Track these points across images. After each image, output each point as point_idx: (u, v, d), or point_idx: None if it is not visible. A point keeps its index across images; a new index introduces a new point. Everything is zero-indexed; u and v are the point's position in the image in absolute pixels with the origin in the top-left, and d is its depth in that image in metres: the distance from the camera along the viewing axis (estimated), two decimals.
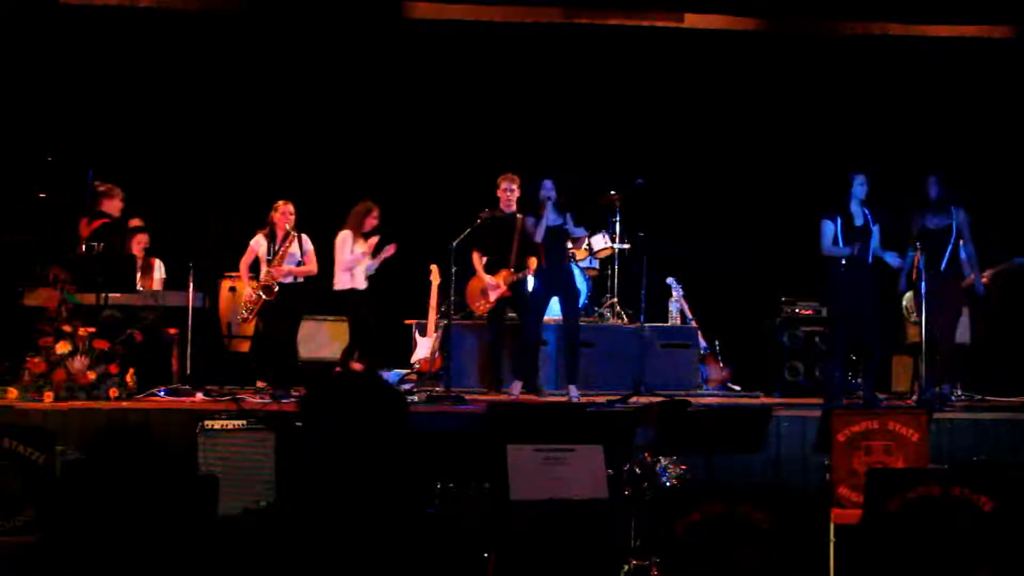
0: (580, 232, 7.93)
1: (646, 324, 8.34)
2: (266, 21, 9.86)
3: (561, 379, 8.10)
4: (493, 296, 8.18)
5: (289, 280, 7.93)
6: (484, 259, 8.28)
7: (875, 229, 7.45)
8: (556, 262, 7.79)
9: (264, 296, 7.86)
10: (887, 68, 10.13)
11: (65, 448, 5.55)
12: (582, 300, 9.16)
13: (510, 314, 8.21)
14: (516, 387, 7.76)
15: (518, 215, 8.01)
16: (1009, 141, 9.92)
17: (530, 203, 7.88)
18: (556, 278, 7.77)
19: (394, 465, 2.67)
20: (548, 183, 7.73)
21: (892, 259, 7.45)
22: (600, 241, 9.34)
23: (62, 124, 9.30)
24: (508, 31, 10.10)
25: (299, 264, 7.95)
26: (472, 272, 8.31)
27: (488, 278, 8.19)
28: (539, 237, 7.68)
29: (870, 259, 7.36)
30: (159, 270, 8.65)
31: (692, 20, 10.21)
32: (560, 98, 10.12)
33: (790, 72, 10.18)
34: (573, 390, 7.65)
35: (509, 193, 8.05)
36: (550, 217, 7.67)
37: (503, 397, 7.73)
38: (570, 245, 9.13)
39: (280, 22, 9.88)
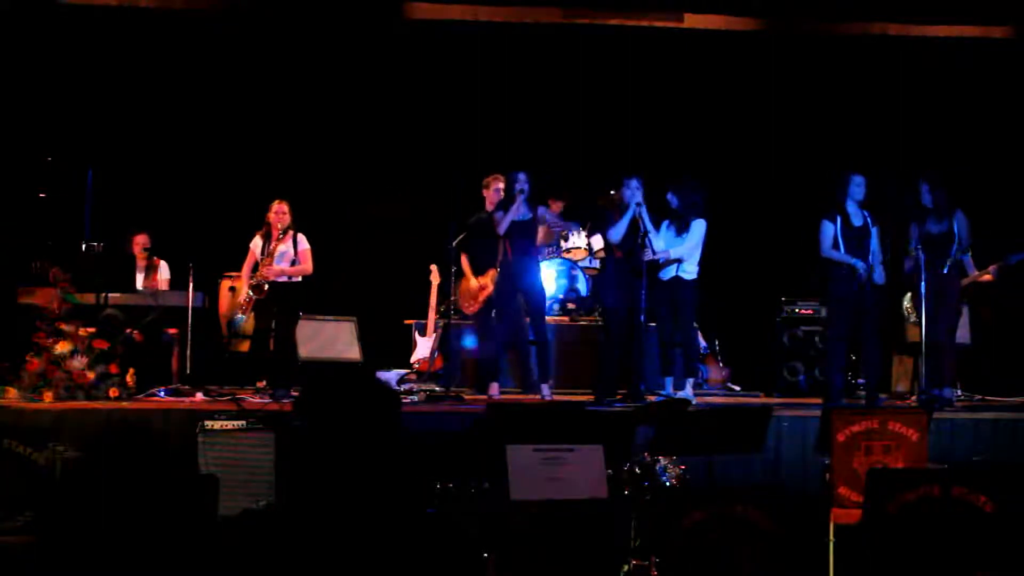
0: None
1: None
2: (267, 22, 9.86)
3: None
4: (481, 297, 8.19)
5: (283, 279, 7.85)
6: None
7: (874, 231, 7.46)
8: (521, 257, 7.70)
9: (254, 295, 7.83)
10: (887, 68, 10.13)
11: (65, 448, 5.55)
12: (584, 294, 9.23)
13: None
14: (494, 388, 7.72)
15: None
16: (1009, 141, 9.93)
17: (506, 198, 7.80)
18: (520, 275, 7.70)
19: (391, 464, 2.67)
20: (521, 175, 7.65)
21: (878, 277, 7.42)
22: (599, 241, 9.34)
23: (62, 124, 9.30)
24: (508, 31, 10.10)
25: (293, 263, 7.89)
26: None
27: (475, 280, 8.21)
28: (502, 230, 7.61)
29: (870, 261, 7.37)
30: (164, 270, 8.66)
31: (692, 20, 10.21)
32: (560, 98, 10.12)
33: (790, 72, 10.19)
34: (545, 389, 7.64)
35: (499, 194, 7.95)
36: (520, 211, 7.63)
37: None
38: (579, 245, 9.15)
39: (281, 23, 9.88)
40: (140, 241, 8.59)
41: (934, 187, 7.59)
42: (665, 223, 7.69)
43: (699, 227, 7.59)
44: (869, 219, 7.45)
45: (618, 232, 7.47)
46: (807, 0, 10.20)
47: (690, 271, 7.60)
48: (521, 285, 7.71)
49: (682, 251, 7.54)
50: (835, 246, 7.39)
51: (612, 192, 8.95)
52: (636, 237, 7.42)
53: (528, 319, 7.85)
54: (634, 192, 7.48)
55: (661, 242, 7.55)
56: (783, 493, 4.48)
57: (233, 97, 9.81)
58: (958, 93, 10.08)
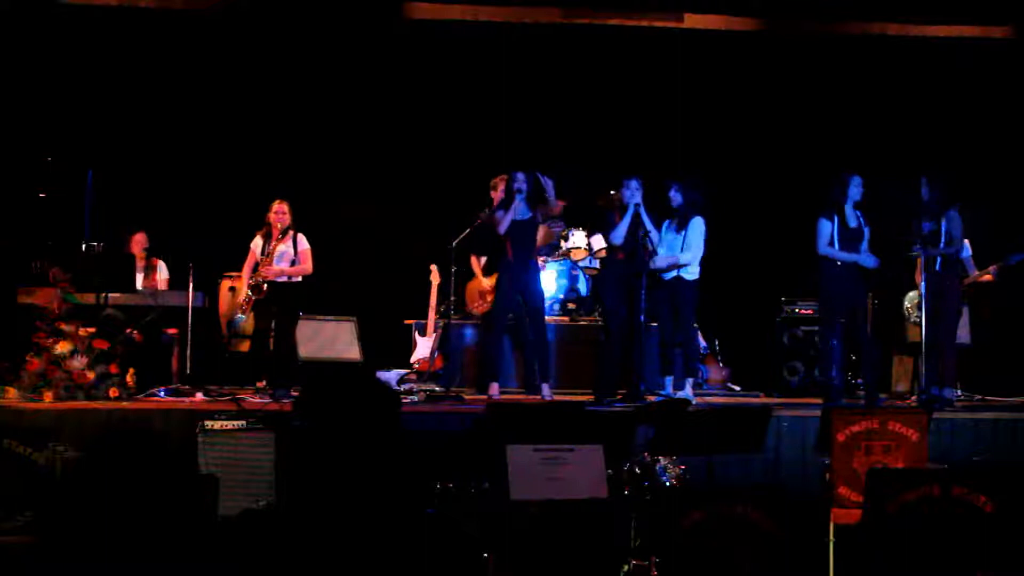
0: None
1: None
2: (267, 21, 9.86)
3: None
4: (490, 297, 8.20)
5: (283, 279, 7.83)
6: (483, 260, 8.30)
7: (866, 232, 7.48)
8: (522, 257, 7.70)
9: (253, 295, 7.83)
10: (887, 68, 10.13)
11: (65, 448, 5.55)
12: (584, 294, 9.23)
13: (508, 315, 8.21)
14: (494, 388, 7.72)
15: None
16: (1009, 141, 9.92)
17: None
18: (519, 275, 7.70)
19: (391, 464, 2.67)
20: (520, 175, 7.66)
21: (871, 260, 7.44)
22: (599, 241, 9.35)
23: (62, 124, 9.30)
24: (508, 31, 10.10)
25: (293, 263, 7.86)
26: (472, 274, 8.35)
27: (485, 280, 8.22)
28: (502, 229, 7.60)
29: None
30: (163, 270, 8.66)
31: (692, 20, 10.21)
32: (560, 98, 10.12)
33: (789, 72, 10.18)
34: (546, 389, 7.66)
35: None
36: (519, 210, 7.63)
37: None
38: (579, 245, 9.15)
39: (281, 22, 9.87)
40: (139, 240, 8.60)
41: (932, 181, 7.60)
42: (666, 223, 7.70)
43: (698, 225, 7.60)
44: (862, 220, 7.48)
45: (619, 235, 7.49)
46: (807, 0, 10.20)
47: (691, 271, 7.61)
48: (520, 285, 7.71)
49: (687, 256, 7.56)
50: (831, 245, 7.41)
51: (612, 192, 8.97)
52: (637, 238, 7.43)
53: (527, 319, 7.87)
54: (634, 193, 7.49)
55: (663, 248, 7.57)
56: (783, 493, 4.48)
57: (233, 97, 9.80)
58: (958, 93, 10.07)
